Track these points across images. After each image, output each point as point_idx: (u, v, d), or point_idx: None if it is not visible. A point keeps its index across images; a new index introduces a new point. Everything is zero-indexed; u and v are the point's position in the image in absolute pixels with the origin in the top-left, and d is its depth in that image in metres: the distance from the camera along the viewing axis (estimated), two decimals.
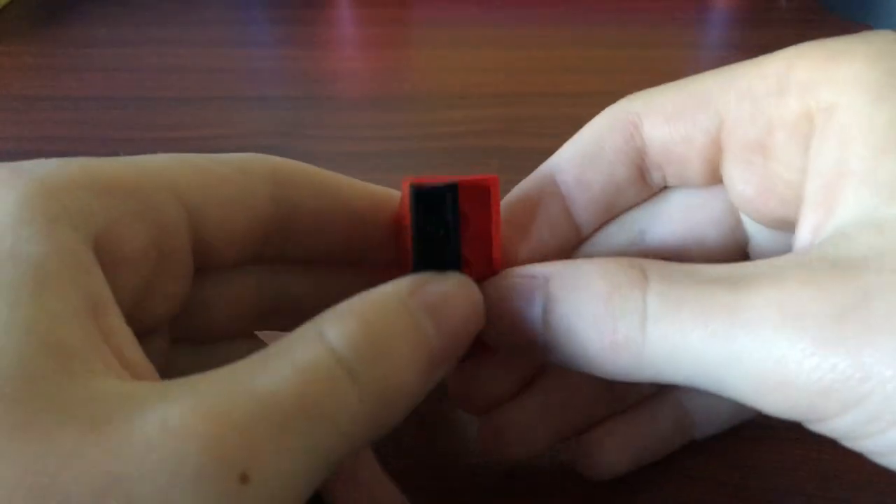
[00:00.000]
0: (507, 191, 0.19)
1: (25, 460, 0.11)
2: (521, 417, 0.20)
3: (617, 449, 0.20)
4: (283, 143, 0.38)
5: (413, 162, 0.36)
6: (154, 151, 0.17)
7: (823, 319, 0.13)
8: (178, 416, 0.12)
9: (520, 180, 0.20)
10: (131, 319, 0.15)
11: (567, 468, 0.21)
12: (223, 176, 0.17)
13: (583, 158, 0.19)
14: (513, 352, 0.17)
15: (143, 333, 0.17)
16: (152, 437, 0.11)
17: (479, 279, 0.18)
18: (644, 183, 0.20)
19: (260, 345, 0.20)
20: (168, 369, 0.18)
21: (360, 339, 0.14)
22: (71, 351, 0.12)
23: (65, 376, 0.12)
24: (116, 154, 0.16)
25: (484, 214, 0.18)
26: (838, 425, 0.14)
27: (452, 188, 0.17)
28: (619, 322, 0.15)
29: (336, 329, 0.14)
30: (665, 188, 0.20)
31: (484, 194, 0.18)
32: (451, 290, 0.16)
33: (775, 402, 0.14)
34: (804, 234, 0.16)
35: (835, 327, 0.13)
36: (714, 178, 0.19)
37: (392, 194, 0.20)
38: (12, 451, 0.11)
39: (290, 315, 0.20)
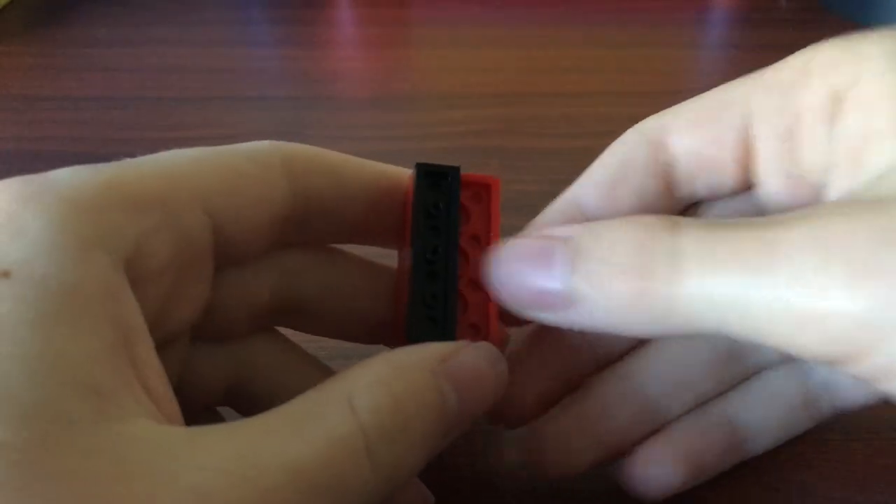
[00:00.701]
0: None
1: None
2: (556, 429, 0.19)
3: (670, 462, 0.19)
4: None
5: (413, 162, 0.36)
6: (154, 152, 0.16)
7: (862, 249, 0.13)
8: (211, 480, 0.12)
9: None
10: (155, 329, 0.15)
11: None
12: (244, 174, 0.17)
13: (610, 177, 0.19)
14: (531, 311, 0.17)
15: (166, 341, 0.17)
16: (184, 499, 0.11)
17: (475, 278, 0.18)
18: (671, 199, 0.19)
19: (279, 340, 0.20)
20: (187, 370, 0.18)
21: (385, 418, 0.14)
22: (105, 392, 0.12)
23: (99, 420, 0.12)
24: (117, 154, 0.16)
25: (484, 214, 0.18)
26: (878, 361, 0.13)
27: (455, 169, 0.18)
28: (651, 264, 0.15)
29: (366, 402, 0.14)
30: (693, 204, 0.20)
31: (485, 194, 0.18)
32: (481, 365, 0.16)
33: (815, 339, 0.14)
34: (833, 195, 0.16)
35: (873, 255, 0.13)
36: (745, 180, 0.19)
37: (404, 173, 0.20)
38: (42, 498, 0.11)
39: (305, 313, 0.20)
